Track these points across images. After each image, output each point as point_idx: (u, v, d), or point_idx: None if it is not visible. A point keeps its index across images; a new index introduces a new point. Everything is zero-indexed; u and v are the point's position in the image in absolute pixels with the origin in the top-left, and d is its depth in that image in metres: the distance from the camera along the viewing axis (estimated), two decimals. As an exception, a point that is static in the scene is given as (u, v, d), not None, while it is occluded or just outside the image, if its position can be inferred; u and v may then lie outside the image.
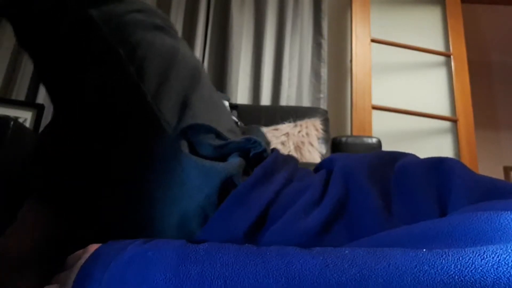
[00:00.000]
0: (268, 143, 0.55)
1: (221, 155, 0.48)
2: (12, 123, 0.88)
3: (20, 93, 1.90)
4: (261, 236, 0.41)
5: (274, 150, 0.54)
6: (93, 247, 0.37)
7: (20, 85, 1.92)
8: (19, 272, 0.44)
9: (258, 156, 0.51)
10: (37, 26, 0.49)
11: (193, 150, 0.47)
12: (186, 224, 0.43)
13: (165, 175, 0.44)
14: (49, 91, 0.53)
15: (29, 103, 1.79)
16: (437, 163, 0.41)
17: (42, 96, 1.86)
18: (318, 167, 0.55)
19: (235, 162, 0.47)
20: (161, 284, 0.29)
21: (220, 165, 0.46)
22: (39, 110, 1.66)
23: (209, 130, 0.49)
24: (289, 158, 0.54)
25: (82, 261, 0.35)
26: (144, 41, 0.49)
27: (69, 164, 0.49)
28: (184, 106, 0.48)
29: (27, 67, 1.94)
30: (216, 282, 0.28)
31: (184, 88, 0.49)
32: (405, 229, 0.30)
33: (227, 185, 0.44)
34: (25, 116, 1.64)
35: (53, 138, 0.51)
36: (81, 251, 0.38)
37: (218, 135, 0.49)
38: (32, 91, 1.90)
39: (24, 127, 1.01)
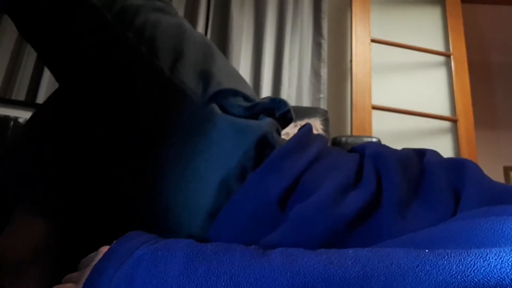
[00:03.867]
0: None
1: (251, 115, 0.50)
2: (12, 123, 0.88)
3: (20, 93, 1.90)
4: (292, 202, 0.42)
5: (307, 124, 0.55)
6: (105, 249, 0.37)
7: (20, 85, 1.92)
8: (18, 276, 0.44)
9: (283, 116, 0.54)
10: (43, 21, 0.49)
11: (225, 112, 0.49)
12: (228, 181, 0.44)
13: (202, 138, 0.46)
14: (62, 80, 0.53)
15: (29, 103, 1.79)
16: (457, 164, 0.42)
17: (42, 96, 1.86)
18: (351, 151, 0.55)
19: (267, 120, 0.49)
20: (169, 281, 0.30)
21: (255, 122, 0.48)
22: (39, 110, 1.65)
23: (237, 93, 0.51)
24: (320, 135, 0.56)
25: (96, 261, 0.35)
26: (149, 23, 0.50)
27: (90, 145, 0.50)
28: (206, 76, 0.50)
29: (27, 67, 1.94)
30: (223, 278, 0.29)
31: (200, 62, 0.51)
32: (409, 236, 0.30)
33: (262, 142, 0.46)
34: (25, 116, 1.64)
35: (65, 123, 0.52)
36: (93, 253, 0.38)
37: (246, 98, 0.51)
38: (32, 91, 1.90)
39: (24, 127, 1.00)
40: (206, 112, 0.47)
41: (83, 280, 0.34)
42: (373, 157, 0.45)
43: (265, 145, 0.47)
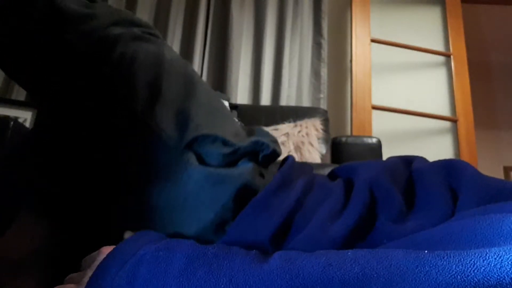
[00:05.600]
0: (275, 141, 0.54)
1: (231, 162, 0.47)
2: (12, 123, 0.88)
3: (20, 93, 1.90)
4: (286, 243, 0.41)
5: (289, 156, 0.53)
6: (107, 249, 0.37)
7: (20, 85, 1.92)
8: (19, 276, 0.44)
9: (268, 157, 0.51)
10: (22, 56, 0.47)
11: (202, 161, 0.46)
12: (204, 234, 0.43)
13: (177, 191, 0.44)
14: (40, 110, 0.52)
15: (29, 103, 1.79)
16: (448, 165, 0.42)
17: (42, 96, 1.86)
18: (333, 175, 0.54)
19: (248, 167, 0.47)
20: (169, 282, 0.30)
21: (234, 171, 0.45)
22: (39, 110, 1.65)
23: (215, 139, 0.47)
24: (305, 165, 0.54)
25: (99, 260, 0.35)
26: (127, 56, 0.47)
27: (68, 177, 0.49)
28: (185, 117, 0.47)
29: (27, 67, 1.94)
30: (222, 280, 0.29)
31: (179, 99, 0.48)
32: (409, 238, 0.30)
33: (243, 192, 0.44)
34: (25, 116, 1.64)
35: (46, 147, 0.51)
36: (95, 253, 0.38)
37: (225, 143, 0.48)
38: (32, 91, 1.90)
39: (24, 127, 1.01)
40: (182, 161, 0.44)
41: (86, 279, 0.34)
42: (366, 182, 0.44)
43: (247, 193, 0.44)
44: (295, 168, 0.51)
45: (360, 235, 0.38)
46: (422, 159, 0.48)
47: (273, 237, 0.40)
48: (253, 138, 0.50)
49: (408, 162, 0.48)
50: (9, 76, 0.51)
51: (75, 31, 0.46)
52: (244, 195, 0.44)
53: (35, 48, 0.46)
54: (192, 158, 0.45)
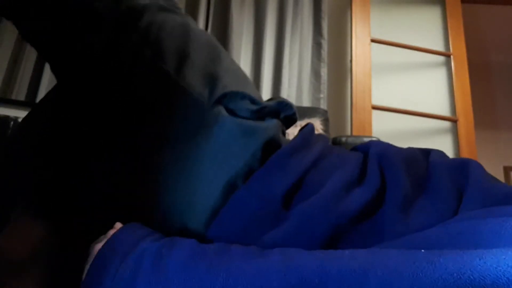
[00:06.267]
0: (293, 106, 0.58)
1: (258, 118, 0.50)
2: (12, 123, 0.88)
3: (20, 93, 1.90)
4: (297, 201, 0.42)
5: (309, 124, 0.56)
6: (119, 225, 0.39)
7: (20, 85, 1.92)
8: (17, 277, 0.44)
9: (289, 118, 0.55)
10: (45, 24, 0.49)
11: (232, 115, 0.48)
12: (235, 182, 0.45)
13: (209, 141, 0.46)
14: (64, 80, 0.53)
15: (29, 103, 1.79)
16: (461, 164, 0.43)
17: (42, 96, 1.86)
18: (353, 150, 0.56)
19: (274, 122, 0.50)
20: (171, 275, 0.31)
21: (262, 124, 0.48)
22: (39, 110, 1.65)
23: (244, 96, 0.50)
24: (322, 135, 0.57)
25: (100, 245, 0.36)
26: (155, 24, 0.50)
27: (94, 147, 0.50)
28: (213, 78, 0.49)
29: (27, 67, 1.94)
30: (221, 274, 0.31)
31: (206, 63, 0.51)
32: (407, 238, 0.31)
33: (270, 144, 0.47)
34: (25, 116, 1.64)
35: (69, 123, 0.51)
36: (103, 236, 0.39)
37: (253, 101, 0.51)
38: (32, 91, 1.90)
39: (24, 127, 1.00)
40: (213, 114, 0.47)
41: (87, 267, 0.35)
42: (378, 155, 0.46)
43: (272, 146, 0.47)
44: (314, 134, 0.53)
45: (368, 214, 0.39)
46: (439, 153, 0.49)
47: (285, 195, 0.42)
48: (279, 99, 0.55)
49: (426, 153, 0.49)
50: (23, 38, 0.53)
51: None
52: (271, 147, 0.47)
53: (62, 18, 0.48)
54: (223, 110, 0.47)
